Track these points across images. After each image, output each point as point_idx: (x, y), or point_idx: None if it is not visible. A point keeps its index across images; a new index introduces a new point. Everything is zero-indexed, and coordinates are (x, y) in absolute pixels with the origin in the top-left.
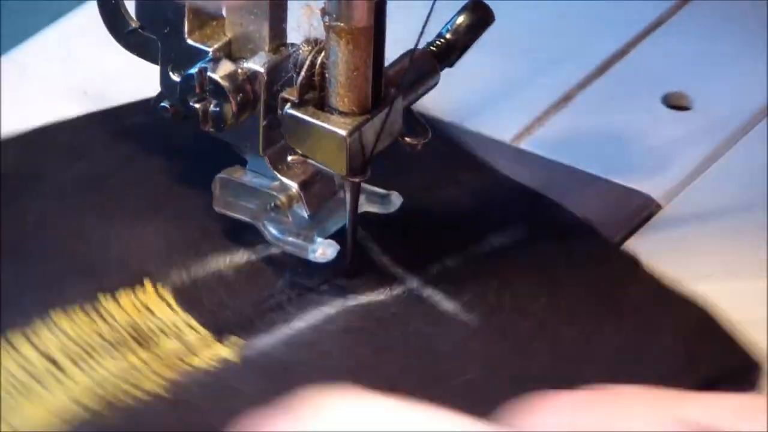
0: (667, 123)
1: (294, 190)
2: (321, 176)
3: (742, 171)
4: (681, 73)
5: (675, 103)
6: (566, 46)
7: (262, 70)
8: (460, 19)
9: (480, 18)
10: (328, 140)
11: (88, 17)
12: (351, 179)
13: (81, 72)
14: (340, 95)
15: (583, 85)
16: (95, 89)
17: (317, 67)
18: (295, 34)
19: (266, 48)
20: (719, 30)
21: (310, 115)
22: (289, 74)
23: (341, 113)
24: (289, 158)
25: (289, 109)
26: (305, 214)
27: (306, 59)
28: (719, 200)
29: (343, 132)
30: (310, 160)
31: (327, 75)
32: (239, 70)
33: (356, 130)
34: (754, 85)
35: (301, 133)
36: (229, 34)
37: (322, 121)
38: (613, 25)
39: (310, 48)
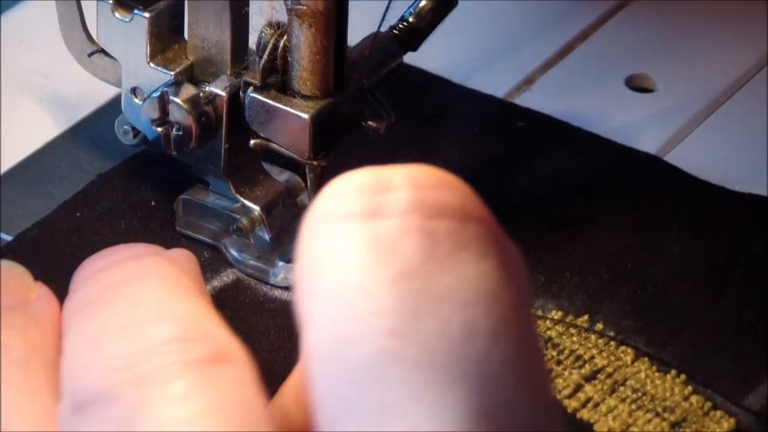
0: (630, 105)
1: (256, 213)
2: (284, 199)
3: (706, 154)
4: (643, 55)
5: (638, 85)
6: (527, 30)
7: (223, 94)
8: (423, 3)
9: (443, 1)
10: (290, 123)
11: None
12: (313, 162)
13: (40, 57)
14: (302, 79)
15: (545, 68)
16: (55, 74)
17: (279, 50)
18: (258, 18)
19: (228, 71)
20: (681, 10)
21: (273, 99)
22: (252, 58)
23: (304, 96)
24: (252, 142)
25: (251, 93)
26: (267, 237)
27: (268, 42)
28: None
29: (305, 115)
30: (272, 144)
31: (289, 58)
32: (201, 94)
33: (319, 113)
34: (717, 65)
35: (264, 117)
36: (191, 58)
37: (285, 105)
38: (575, 8)
39: (272, 31)
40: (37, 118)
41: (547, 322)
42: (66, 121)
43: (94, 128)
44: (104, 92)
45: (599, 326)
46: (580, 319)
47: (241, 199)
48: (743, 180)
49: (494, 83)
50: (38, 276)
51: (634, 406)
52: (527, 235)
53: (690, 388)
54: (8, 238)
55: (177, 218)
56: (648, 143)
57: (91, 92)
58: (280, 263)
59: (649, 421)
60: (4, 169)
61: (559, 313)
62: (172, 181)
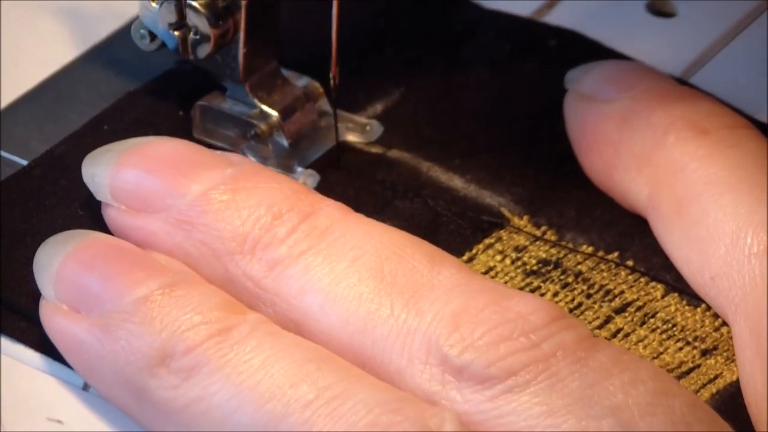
0: (651, 30)
1: (274, 119)
2: (302, 105)
3: (727, 79)
4: None
5: (659, 9)
6: None
7: None
8: None
9: None
10: None
11: None
12: None
13: None
14: None
15: None
16: None
17: None
18: None
19: None
20: None
21: None
22: None
23: None
24: None
25: None
26: (285, 143)
27: None
28: None
29: None
30: None
31: None
32: None
33: None
34: None
35: None
36: None
37: None
38: None
39: None
40: (55, 38)
41: (578, 256)
42: (84, 41)
43: (113, 50)
44: (123, 10)
45: (629, 263)
46: (610, 255)
47: (259, 104)
48: (764, 105)
49: (515, 5)
50: (66, 189)
51: (664, 336)
52: (560, 164)
53: (720, 319)
54: (22, 162)
55: (194, 125)
56: (670, 69)
57: (110, 7)
58: (299, 169)
59: (680, 349)
60: (20, 93)
61: (590, 248)
62: (201, 92)
